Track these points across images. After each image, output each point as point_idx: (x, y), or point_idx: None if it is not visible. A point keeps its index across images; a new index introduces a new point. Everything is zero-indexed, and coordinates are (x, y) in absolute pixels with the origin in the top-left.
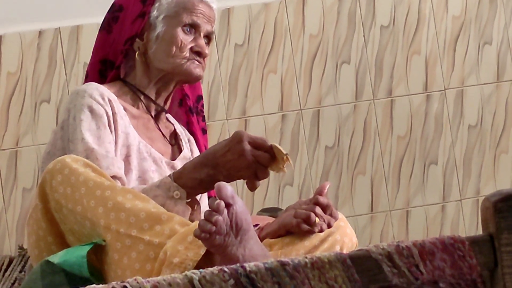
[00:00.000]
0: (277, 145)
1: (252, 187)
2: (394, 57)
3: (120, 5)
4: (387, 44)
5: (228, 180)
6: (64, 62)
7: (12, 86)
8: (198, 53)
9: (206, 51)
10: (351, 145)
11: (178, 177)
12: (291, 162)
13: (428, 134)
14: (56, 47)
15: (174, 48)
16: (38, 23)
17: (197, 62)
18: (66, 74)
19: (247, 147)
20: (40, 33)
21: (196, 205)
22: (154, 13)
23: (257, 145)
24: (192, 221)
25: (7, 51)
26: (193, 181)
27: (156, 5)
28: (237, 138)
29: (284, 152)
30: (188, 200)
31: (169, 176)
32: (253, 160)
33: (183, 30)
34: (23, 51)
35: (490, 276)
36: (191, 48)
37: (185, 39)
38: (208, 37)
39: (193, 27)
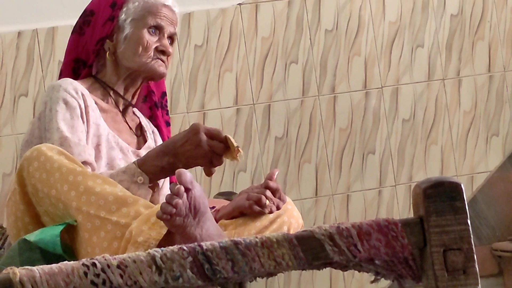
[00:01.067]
0: (230, 137)
1: (208, 173)
2: (337, 58)
3: (91, 10)
4: (330, 46)
5: (187, 167)
6: (40, 60)
7: None
8: (162, 52)
9: (170, 50)
10: (298, 136)
11: (141, 164)
12: (242, 152)
13: (366, 127)
14: (33, 47)
15: (140, 48)
16: (17, 25)
17: (160, 61)
18: (42, 71)
19: (203, 137)
20: (19, 34)
21: (156, 188)
22: (122, 16)
23: (212, 135)
24: (152, 202)
25: None
26: (155, 168)
27: (124, 9)
28: (194, 130)
29: (235, 144)
30: (150, 185)
31: (134, 162)
32: (209, 149)
33: (149, 32)
34: (3, 50)
35: (420, 254)
36: (156, 48)
37: (150, 39)
38: (171, 38)
39: (158, 29)
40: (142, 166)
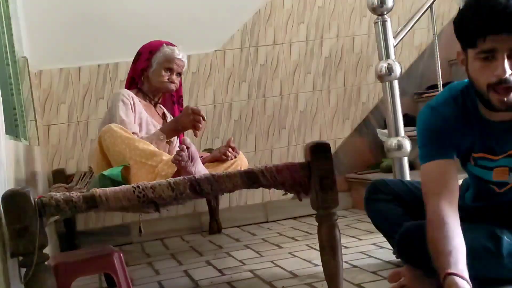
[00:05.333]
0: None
1: (195, 135)
2: (266, 79)
3: (140, 52)
4: (263, 73)
5: (183, 129)
6: (110, 79)
7: (85, 91)
8: (172, 82)
9: (176, 81)
10: (245, 120)
11: (161, 129)
12: (206, 121)
13: (281, 115)
14: (106, 73)
15: (159, 78)
16: (97, 61)
17: (171, 83)
18: (111, 85)
19: (189, 111)
20: (99, 66)
21: (170, 143)
22: (153, 59)
23: (195, 112)
24: (169, 152)
25: (83, 76)
26: (168, 130)
27: (155, 55)
28: (186, 108)
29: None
30: (167, 140)
31: (158, 129)
32: (193, 119)
33: (164, 70)
34: (90, 75)
35: (308, 180)
36: (168, 79)
37: (166, 75)
38: (179, 73)
39: (169, 70)
40: (161, 130)
